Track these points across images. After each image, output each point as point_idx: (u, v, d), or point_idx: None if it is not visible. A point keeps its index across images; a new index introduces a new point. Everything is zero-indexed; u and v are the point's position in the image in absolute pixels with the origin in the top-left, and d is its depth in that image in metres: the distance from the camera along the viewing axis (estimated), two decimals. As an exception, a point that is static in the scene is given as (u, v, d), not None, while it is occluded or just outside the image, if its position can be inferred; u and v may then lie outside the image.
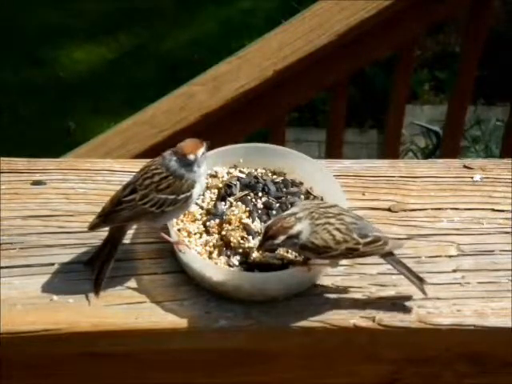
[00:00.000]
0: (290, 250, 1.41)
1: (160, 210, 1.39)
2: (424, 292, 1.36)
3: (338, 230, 1.34)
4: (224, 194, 1.50)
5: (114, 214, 1.39)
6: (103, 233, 1.47)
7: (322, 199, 1.51)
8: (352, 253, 1.36)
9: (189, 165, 1.40)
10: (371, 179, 1.58)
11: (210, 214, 1.48)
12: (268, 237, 1.34)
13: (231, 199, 1.49)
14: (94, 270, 1.39)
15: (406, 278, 1.37)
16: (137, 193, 1.39)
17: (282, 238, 1.33)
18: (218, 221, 1.47)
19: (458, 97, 3.13)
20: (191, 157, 1.39)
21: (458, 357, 1.42)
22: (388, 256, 1.37)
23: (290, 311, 1.37)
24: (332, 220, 1.35)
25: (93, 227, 1.40)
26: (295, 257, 1.41)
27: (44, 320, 1.35)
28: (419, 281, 1.36)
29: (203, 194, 1.50)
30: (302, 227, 1.33)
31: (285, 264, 1.40)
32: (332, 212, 1.36)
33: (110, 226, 1.41)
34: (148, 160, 1.45)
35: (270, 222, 1.36)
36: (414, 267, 1.43)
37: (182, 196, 1.40)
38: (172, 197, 1.39)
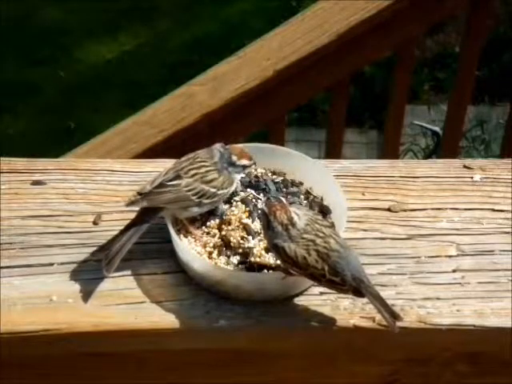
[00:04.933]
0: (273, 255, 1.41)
1: (199, 200, 1.43)
2: (394, 329, 1.30)
3: (316, 251, 1.32)
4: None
5: (156, 195, 1.42)
6: (103, 233, 1.47)
7: (321, 199, 1.51)
8: (313, 279, 1.33)
9: (234, 166, 1.46)
10: (371, 179, 1.58)
11: (210, 214, 1.48)
12: (267, 202, 1.36)
13: (237, 198, 1.49)
14: (110, 250, 1.39)
15: (379, 313, 1.31)
16: (182, 179, 1.44)
17: (268, 213, 1.34)
18: (217, 221, 1.47)
19: (457, 97, 3.13)
20: (243, 162, 1.47)
21: (458, 357, 1.42)
22: (370, 295, 1.32)
23: (290, 311, 1.37)
24: (318, 240, 1.33)
25: (131, 203, 1.42)
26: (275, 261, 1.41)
27: (44, 320, 1.35)
28: (393, 317, 1.30)
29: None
30: (291, 231, 1.33)
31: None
32: (324, 232, 1.34)
33: (149, 205, 1.42)
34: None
35: (280, 198, 1.38)
36: (414, 267, 1.43)
37: (220, 192, 1.45)
38: (213, 190, 1.44)
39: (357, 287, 1.31)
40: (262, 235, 1.43)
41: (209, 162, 1.46)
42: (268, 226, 1.34)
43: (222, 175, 1.46)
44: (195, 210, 1.45)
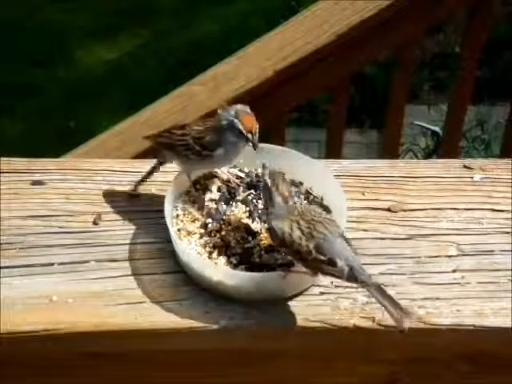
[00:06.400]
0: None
1: (185, 153, 1.47)
2: (402, 328, 1.25)
3: (299, 229, 1.33)
4: (226, 195, 1.50)
5: (160, 138, 1.51)
6: (103, 233, 1.47)
7: (321, 199, 1.51)
8: (302, 258, 1.32)
9: (233, 135, 1.45)
10: (371, 179, 1.58)
11: (211, 214, 1.48)
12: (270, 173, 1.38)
13: (239, 198, 1.49)
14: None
15: (387, 311, 1.27)
16: (184, 129, 1.49)
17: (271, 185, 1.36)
18: (217, 221, 1.47)
19: (457, 97, 3.13)
20: (243, 130, 1.44)
21: (458, 357, 1.42)
22: (370, 286, 1.30)
23: (289, 311, 1.37)
24: (302, 222, 1.34)
25: (147, 137, 1.54)
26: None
27: (44, 320, 1.35)
28: (403, 313, 1.25)
29: (203, 193, 1.51)
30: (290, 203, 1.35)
31: (284, 264, 1.40)
32: (314, 219, 1.34)
33: (153, 144, 1.54)
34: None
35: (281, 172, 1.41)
36: (414, 267, 1.43)
37: (205, 153, 1.46)
38: (198, 148, 1.47)
39: (351, 273, 1.29)
40: (262, 235, 1.44)
41: (211, 123, 1.47)
42: (270, 198, 1.36)
43: (211, 136, 1.46)
44: (187, 168, 1.49)
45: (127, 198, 1.53)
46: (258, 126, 1.43)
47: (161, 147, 1.52)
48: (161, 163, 1.55)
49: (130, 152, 2.44)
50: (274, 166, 1.54)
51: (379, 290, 1.29)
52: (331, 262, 1.30)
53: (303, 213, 1.35)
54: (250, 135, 1.43)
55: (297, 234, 1.32)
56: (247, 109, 1.46)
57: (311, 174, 1.53)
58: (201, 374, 1.44)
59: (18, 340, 1.34)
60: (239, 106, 1.46)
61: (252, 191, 1.51)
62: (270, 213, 1.37)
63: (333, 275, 1.32)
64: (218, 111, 1.48)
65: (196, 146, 1.47)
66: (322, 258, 1.31)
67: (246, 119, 1.44)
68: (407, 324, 1.26)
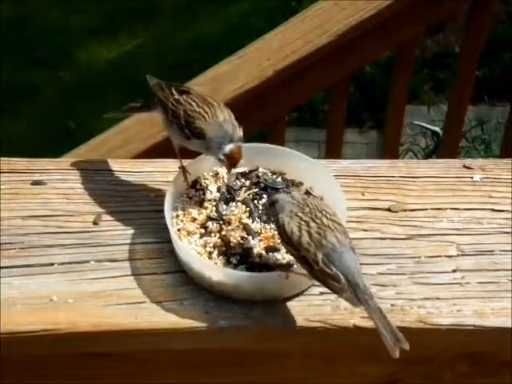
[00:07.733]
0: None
1: (169, 119, 1.49)
2: (394, 354, 1.23)
3: (308, 233, 1.31)
4: (226, 195, 1.50)
5: (162, 92, 1.52)
6: (103, 233, 1.47)
7: (321, 199, 1.51)
8: (306, 263, 1.30)
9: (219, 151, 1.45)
10: (371, 179, 1.58)
11: (210, 214, 1.48)
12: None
13: (239, 198, 1.49)
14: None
15: (382, 337, 1.25)
16: (181, 96, 1.50)
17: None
18: (217, 221, 1.47)
19: (457, 97, 3.13)
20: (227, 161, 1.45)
21: (458, 357, 1.42)
22: (370, 308, 1.27)
23: (290, 311, 1.37)
24: (312, 224, 1.32)
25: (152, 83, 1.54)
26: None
27: (44, 320, 1.35)
28: (395, 339, 1.24)
29: (203, 194, 1.51)
30: (283, 202, 1.35)
31: (284, 264, 1.40)
32: (324, 223, 1.32)
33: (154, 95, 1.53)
34: None
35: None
36: (414, 267, 1.43)
37: (186, 132, 1.47)
38: (183, 122, 1.47)
39: (351, 296, 1.28)
40: (262, 235, 1.44)
41: (209, 117, 1.48)
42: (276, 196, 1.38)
43: (204, 134, 1.45)
44: (169, 128, 1.51)
45: (127, 198, 1.53)
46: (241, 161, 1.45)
47: (156, 96, 1.53)
48: (148, 109, 1.59)
49: (130, 151, 2.44)
50: (275, 166, 1.55)
51: (379, 314, 1.27)
52: (336, 278, 1.29)
53: (314, 209, 1.34)
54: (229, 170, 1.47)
55: (305, 239, 1.30)
56: (241, 150, 1.45)
57: (311, 174, 1.53)
58: (201, 374, 1.44)
59: (17, 340, 1.34)
60: (235, 148, 1.45)
61: (252, 191, 1.51)
62: (276, 202, 1.36)
63: (333, 290, 1.30)
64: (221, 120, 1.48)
65: (182, 121, 1.48)
66: (328, 270, 1.29)
67: (233, 159, 1.45)
68: (397, 353, 1.24)
